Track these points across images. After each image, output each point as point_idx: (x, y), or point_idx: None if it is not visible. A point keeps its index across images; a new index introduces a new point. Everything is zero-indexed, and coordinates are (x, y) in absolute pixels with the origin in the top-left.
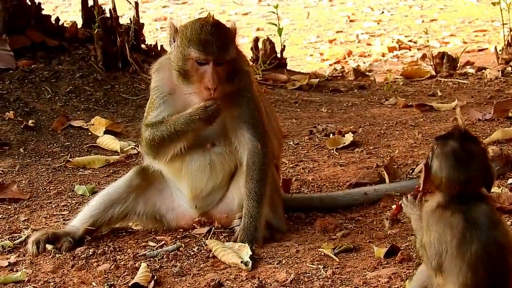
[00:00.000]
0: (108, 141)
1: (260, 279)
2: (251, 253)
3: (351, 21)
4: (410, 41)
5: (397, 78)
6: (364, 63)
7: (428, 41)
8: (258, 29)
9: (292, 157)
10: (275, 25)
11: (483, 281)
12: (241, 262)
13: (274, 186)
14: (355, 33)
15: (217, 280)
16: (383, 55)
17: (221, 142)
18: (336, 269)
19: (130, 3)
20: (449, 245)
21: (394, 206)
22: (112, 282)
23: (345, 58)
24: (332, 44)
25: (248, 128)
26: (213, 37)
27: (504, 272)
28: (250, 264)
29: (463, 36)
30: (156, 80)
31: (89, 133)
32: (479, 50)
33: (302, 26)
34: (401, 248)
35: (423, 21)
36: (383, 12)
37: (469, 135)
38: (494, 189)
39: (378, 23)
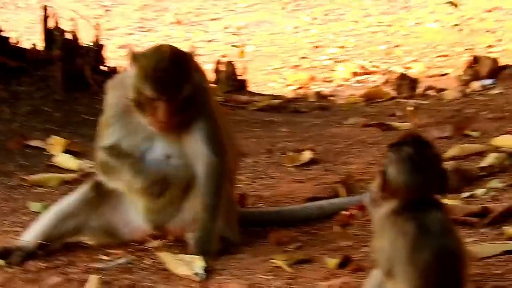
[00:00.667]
0: (65, 160)
1: None
2: (204, 265)
3: (315, 47)
4: (373, 66)
5: (358, 100)
6: (327, 88)
7: (389, 67)
8: (223, 56)
9: (250, 175)
10: (237, 47)
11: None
12: (194, 273)
13: (229, 200)
14: (318, 59)
15: None
16: (346, 80)
17: (176, 155)
18: (289, 280)
19: (91, 24)
20: (401, 252)
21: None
22: None
23: (308, 84)
24: (296, 69)
25: (205, 142)
26: (169, 76)
27: (454, 281)
28: (204, 276)
29: (426, 61)
30: (111, 96)
31: (47, 153)
32: (441, 75)
33: (266, 52)
34: (354, 259)
35: (387, 47)
36: (347, 39)
37: (423, 140)
38: (449, 201)
39: (342, 49)
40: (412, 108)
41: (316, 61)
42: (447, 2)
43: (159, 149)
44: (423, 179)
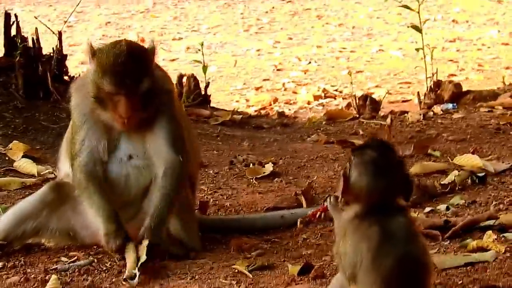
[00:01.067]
0: (25, 165)
1: None
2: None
3: (278, 70)
4: (335, 90)
5: (320, 119)
6: (289, 109)
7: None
8: (185, 75)
9: (211, 185)
10: (200, 62)
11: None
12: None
13: (188, 205)
14: (281, 82)
15: None
16: (309, 103)
17: (138, 155)
18: (249, 285)
19: (54, 33)
20: (364, 257)
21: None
22: None
23: (270, 105)
24: (259, 91)
25: (166, 142)
26: (127, 70)
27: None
28: (136, 279)
29: (388, 88)
30: (76, 98)
31: (7, 158)
32: (403, 101)
33: (229, 73)
34: (315, 266)
35: (349, 72)
36: (310, 63)
37: (386, 144)
38: (412, 215)
39: (305, 73)
40: (386, 124)
41: (279, 84)
42: (411, 26)
43: (123, 149)
44: (386, 182)
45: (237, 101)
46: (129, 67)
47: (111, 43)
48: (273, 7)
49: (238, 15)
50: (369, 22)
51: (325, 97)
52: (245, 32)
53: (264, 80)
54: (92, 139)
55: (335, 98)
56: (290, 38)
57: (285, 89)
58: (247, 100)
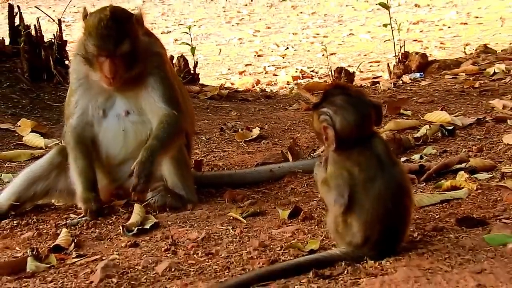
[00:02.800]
0: (33, 139)
1: (173, 239)
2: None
3: (258, 56)
4: (312, 71)
5: (300, 91)
6: (271, 90)
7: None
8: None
9: (204, 149)
10: (189, 44)
11: (382, 219)
12: (124, 229)
13: (185, 162)
14: (262, 66)
15: (133, 241)
16: (288, 83)
17: (135, 111)
18: (244, 229)
19: (54, 21)
20: (357, 181)
21: None
22: (34, 247)
23: (253, 87)
24: (242, 75)
25: (160, 99)
26: (108, 32)
27: (401, 211)
28: (128, 234)
29: (360, 67)
30: (73, 63)
31: (16, 134)
32: (374, 78)
33: (214, 60)
34: (304, 209)
35: (323, 55)
36: (287, 48)
37: (342, 84)
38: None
39: (283, 57)
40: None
41: (260, 68)
42: (379, 4)
43: (120, 106)
44: (365, 113)
45: (223, 84)
46: (111, 30)
47: (101, 8)
48: (251, 0)
49: (220, 9)
50: (339, 9)
51: (303, 77)
52: (227, 24)
53: (247, 65)
54: (85, 101)
55: (311, 78)
56: (268, 27)
57: (266, 72)
58: (232, 84)
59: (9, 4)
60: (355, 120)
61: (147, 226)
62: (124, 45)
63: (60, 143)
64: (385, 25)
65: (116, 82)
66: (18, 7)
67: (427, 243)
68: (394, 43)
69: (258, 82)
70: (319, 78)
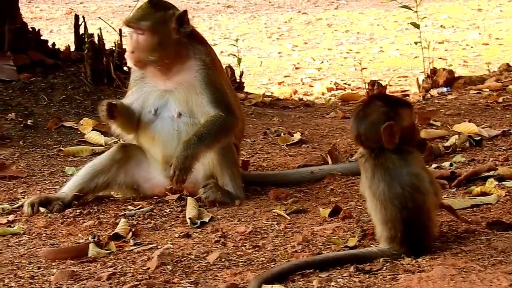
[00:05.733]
0: (94, 137)
1: (223, 231)
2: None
3: (296, 68)
4: (345, 83)
5: (336, 101)
6: (307, 100)
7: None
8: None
9: (249, 151)
10: (235, 55)
11: (396, 217)
12: (190, 221)
13: (235, 161)
14: (299, 77)
15: (186, 232)
16: (323, 94)
17: (186, 113)
18: (288, 225)
19: (115, 30)
20: (365, 187)
21: None
22: (95, 234)
23: (291, 96)
24: (281, 85)
25: (209, 103)
26: (141, 9)
27: (413, 208)
28: (194, 225)
29: (389, 81)
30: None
31: (79, 132)
32: (402, 91)
33: (256, 71)
34: (343, 209)
35: (355, 69)
36: (322, 62)
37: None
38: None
39: (319, 70)
40: None
41: (297, 79)
42: (410, 23)
43: (172, 107)
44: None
45: (265, 93)
46: (144, 8)
47: None
48: (291, 18)
49: (262, 25)
50: (371, 28)
51: (336, 89)
52: (268, 39)
53: (285, 76)
54: (139, 99)
55: (344, 90)
56: (306, 43)
57: (303, 84)
58: (271, 93)
59: (75, 15)
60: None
61: (206, 220)
62: (149, 22)
63: (119, 141)
64: (415, 43)
65: (134, 58)
66: (83, 17)
67: (460, 243)
68: (423, 59)
69: (295, 92)
70: (351, 90)
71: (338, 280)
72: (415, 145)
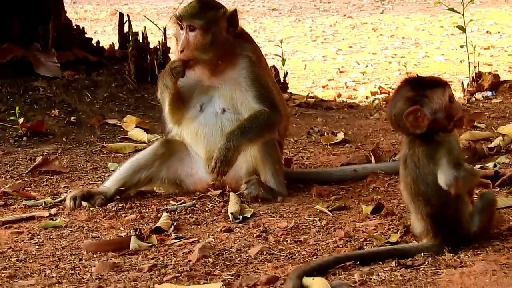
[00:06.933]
0: (138, 134)
1: (265, 226)
2: (238, 210)
3: (340, 72)
4: (389, 88)
5: (380, 103)
6: (351, 102)
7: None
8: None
9: (292, 149)
10: (280, 56)
11: (423, 212)
12: (232, 216)
13: (278, 158)
14: (344, 81)
15: (227, 227)
16: (367, 97)
17: (230, 109)
18: (330, 221)
19: (160, 29)
20: (400, 176)
21: None
22: (137, 227)
23: (335, 100)
24: (325, 89)
25: (254, 99)
26: (190, 7)
27: (438, 205)
28: (236, 220)
29: None
30: None
31: (122, 129)
32: None
33: (300, 74)
34: (386, 206)
35: (400, 73)
36: (367, 66)
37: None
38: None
39: (363, 74)
40: None
41: (341, 83)
42: (456, 26)
43: (216, 103)
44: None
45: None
46: (193, 7)
47: None
48: (336, 22)
49: (307, 28)
50: (416, 33)
51: (380, 93)
52: (313, 42)
53: (329, 80)
54: (184, 95)
55: (388, 94)
56: (350, 47)
57: (347, 87)
58: (315, 96)
59: (120, 13)
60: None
61: (248, 215)
62: (200, 19)
63: (162, 138)
64: (461, 46)
65: (183, 56)
66: (128, 15)
67: (503, 240)
68: (469, 63)
69: (339, 95)
70: None
71: (380, 274)
72: (455, 122)
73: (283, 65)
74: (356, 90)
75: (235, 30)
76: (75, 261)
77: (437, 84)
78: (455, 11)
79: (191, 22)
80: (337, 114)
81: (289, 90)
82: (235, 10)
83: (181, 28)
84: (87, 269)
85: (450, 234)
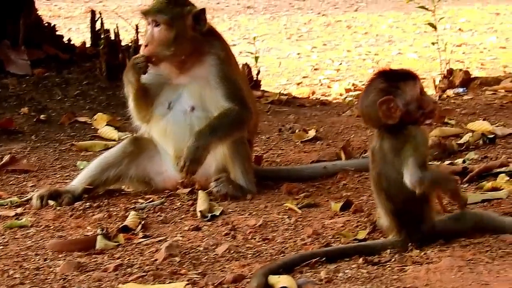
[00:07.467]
0: (108, 132)
1: (233, 224)
2: (207, 208)
3: (315, 69)
4: (363, 85)
5: (353, 100)
6: (324, 99)
7: None
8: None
9: (264, 147)
10: (252, 53)
11: (387, 207)
12: (200, 214)
13: (247, 156)
14: (318, 78)
15: (196, 225)
16: (341, 94)
17: (199, 107)
18: (299, 219)
19: (132, 27)
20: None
21: None
22: (104, 226)
23: (309, 97)
24: (299, 86)
25: (224, 97)
26: (158, 1)
27: (401, 202)
28: (206, 218)
29: None
30: None
31: (92, 127)
32: None
33: (274, 72)
34: (355, 203)
35: (374, 71)
36: (341, 63)
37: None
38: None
39: (337, 71)
40: None
41: (316, 80)
42: (428, 24)
43: (185, 101)
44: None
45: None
46: (163, 2)
47: None
48: (310, 19)
49: (282, 26)
50: (390, 31)
51: (354, 90)
52: (288, 40)
53: (304, 77)
54: (152, 92)
55: (362, 91)
56: (325, 44)
57: (321, 84)
58: (289, 94)
59: (92, 10)
60: None
61: (217, 213)
62: (166, 16)
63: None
64: (433, 43)
65: (146, 51)
66: (100, 13)
67: (469, 236)
68: (440, 60)
69: (313, 92)
70: None
71: (346, 271)
72: (426, 114)
73: (256, 62)
74: (330, 87)
75: (202, 28)
76: (39, 261)
77: (409, 76)
78: (427, 9)
79: (156, 17)
80: (310, 112)
81: (263, 88)
82: (203, 9)
83: (148, 24)
84: (51, 269)
85: (413, 230)
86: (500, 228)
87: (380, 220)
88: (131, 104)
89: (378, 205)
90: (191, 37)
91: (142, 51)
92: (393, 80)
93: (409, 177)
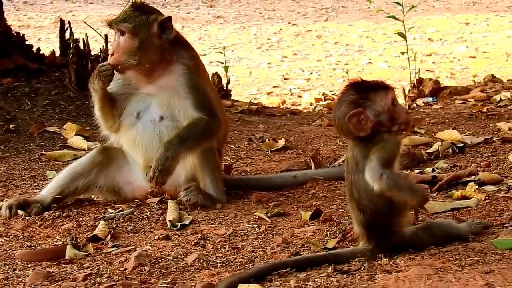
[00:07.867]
0: (77, 141)
1: (203, 233)
2: (176, 217)
3: (285, 79)
4: (333, 94)
5: (322, 109)
6: (294, 108)
7: None
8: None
9: (233, 156)
10: (222, 63)
11: (359, 215)
12: (170, 223)
13: (217, 165)
14: (288, 88)
15: (165, 235)
16: (311, 104)
17: (168, 117)
18: (268, 227)
19: (101, 36)
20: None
21: None
22: (73, 236)
23: (279, 106)
24: (270, 95)
25: (192, 106)
26: (124, 11)
27: (371, 211)
28: (174, 227)
29: None
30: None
31: (62, 137)
32: None
33: (245, 82)
34: (324, 211)
35: (344, 80)
36: (311, 73)
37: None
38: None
39: (308, 81)
40: None
41: (286, 90)
42: (397, 33)
43: (154, 111)
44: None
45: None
46: (126, 11)
47: None
48: (280, 29)
49: (252, 36)
50: (360, 40)
51: (325, 99)
52: (258, 49)
53: (274, 87)
54: (121, 101)
55: (333, 100)
56: (295, 54)
57: (291, 94)
58: (259, 103)
59: (61, 19)
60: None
61: (186, 222)
62: (130, 25)
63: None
64: (402, 53)
65: (113, 60)
66: (69, 22)
67: (438, 245)
68: (410, 70)
69: (284, 102)
70: None
71: (316, 280)
72: (400, 125)
73: (226, 72)
74: (300, 97)
75: (168, 37)
76: (8, 271)
77: (380, 87)
78: (396, 19)
79: (120, 26)
80: (280, 121)
81: (233, 97)
82: (169, 17)
83: (115, 33)
84: (20, 279)
85: (382, 239)
86: (463, 235)
87: (354, 227)
88: (97, 112)
89: (351, 213)
90: (157, 46)
91: (109, 59)
92: (363, 91)
93: (369, 173)
